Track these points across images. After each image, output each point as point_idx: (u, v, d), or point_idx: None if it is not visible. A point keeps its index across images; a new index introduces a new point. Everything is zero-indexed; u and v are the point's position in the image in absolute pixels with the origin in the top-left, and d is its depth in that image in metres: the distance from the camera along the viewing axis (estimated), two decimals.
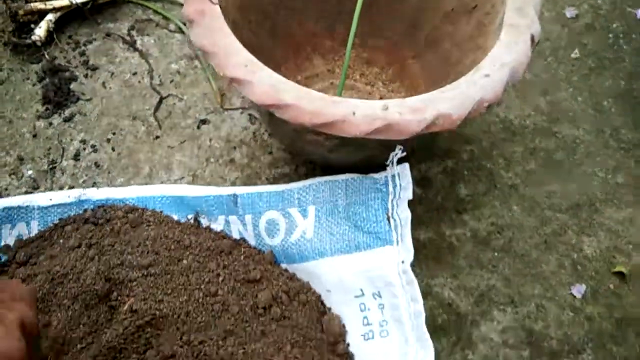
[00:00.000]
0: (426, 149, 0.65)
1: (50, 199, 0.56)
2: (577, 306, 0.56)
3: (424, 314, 0.48)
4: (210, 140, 0.67)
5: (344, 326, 0.52)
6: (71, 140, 0.66)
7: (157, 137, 0.67)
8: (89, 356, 0.44)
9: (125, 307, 0.48)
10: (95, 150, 0.66)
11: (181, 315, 0.48)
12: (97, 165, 0.64)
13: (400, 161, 0.50)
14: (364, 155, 0.53)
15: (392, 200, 0.52)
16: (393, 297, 0.50)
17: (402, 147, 0.48)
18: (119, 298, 0.49)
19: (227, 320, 0.49)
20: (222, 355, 0.45)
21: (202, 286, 0.51)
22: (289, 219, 0.56)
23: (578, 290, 0.56)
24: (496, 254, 0.59)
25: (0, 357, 0.33)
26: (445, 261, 0.58)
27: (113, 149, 0.66)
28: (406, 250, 0.50)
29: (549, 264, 0.58)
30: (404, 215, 0.51)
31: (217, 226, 0.58)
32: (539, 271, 0.57)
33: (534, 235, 0.60)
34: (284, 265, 0.56)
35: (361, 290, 0.52)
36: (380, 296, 0.52)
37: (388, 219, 0.52)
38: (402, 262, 0.50)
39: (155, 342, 0.45)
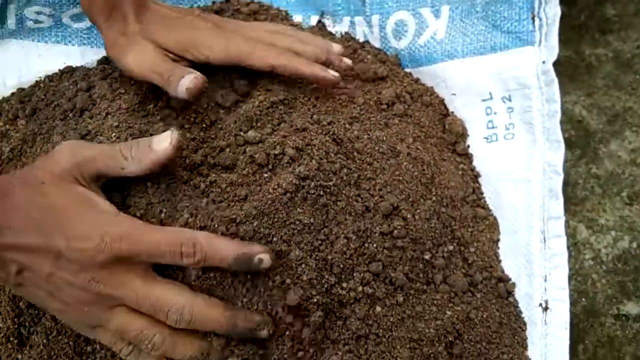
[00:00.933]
0: None
1: None
2: None
3: (559, 114, 0.46)
4: None
5: (465, 128, 0.52)
6: None
7: None
8: (231, 123, 0.46)
9: (260, 85, 0.49)
10: None
11: (311, 99, 0.49)
12: None
13: None
14: None
15: None
16: (526, 100, 0.49)
17: None
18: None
19: (352, 109, 0.50)
20: (348, 136, 0.46)
21: None
22: (419, 19, 0.54)
23: None
24: (638, 76, 0.55)
25: None
26: (581, 80, 0.55)
27: None
28: (549, 49, 0.48)
29: None
30: (552, 12, 0.48)
31: (342, 28, 0.57)
32: None
33: None
34: (408, 70, 0.55)
35: (490, 93, 0.51)
36: (510, 100, 0.50)
37: (533, 18, 0.49)
38: (544, 62, 0.47)
39: (288, 118, 0.47)
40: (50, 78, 0.52)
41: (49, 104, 0.48)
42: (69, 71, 0.52)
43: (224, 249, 0.38)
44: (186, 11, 0.49)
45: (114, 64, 0.47)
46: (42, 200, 0.37)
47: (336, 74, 0.46)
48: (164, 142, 0.39)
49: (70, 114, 0.46)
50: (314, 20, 0.57)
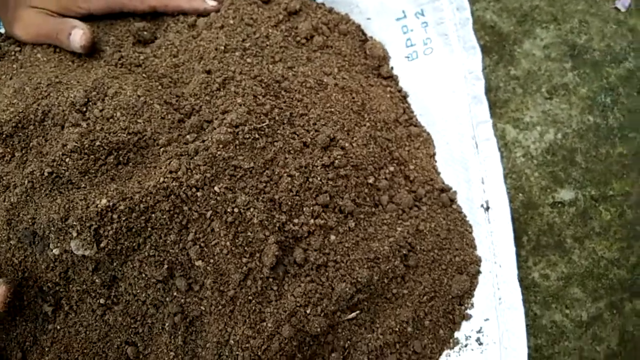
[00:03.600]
0: None
1: None
2: (621, 19, 0.55)
3: (470, 20, 0.47)
4: None
5: (386, 50, 0.52)
6: None
7: None
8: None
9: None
10: None
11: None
12: None
13: None
14: None
15: None
16: (437, 12, 0.50)
17: None
18: None
19: (271, 48, 0.49)
20: (274, 77, 0.46)
21: (245, 18, 0.50)
22: None
23: (622, 3, 0.55)
24: None
25: None
26: None
27: None
28: None
29: None
30: None
31: None
32: None
33: None
34: (320, 0, 0.55)
35: (403, 11, 0.51)
36: (422, 14, 0.51)
37: None
38: None
39: None
40: None
41: None
42: None
43: None
44: None
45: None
46: None
47: (214, 3, 0.48)
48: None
49: None
50: None
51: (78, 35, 0.43)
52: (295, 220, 0.42)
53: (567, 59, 0.54)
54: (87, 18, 0.46)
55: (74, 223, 0.38)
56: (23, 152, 0.42)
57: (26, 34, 0.45)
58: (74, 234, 0.38)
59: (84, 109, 0.41)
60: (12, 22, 0.45)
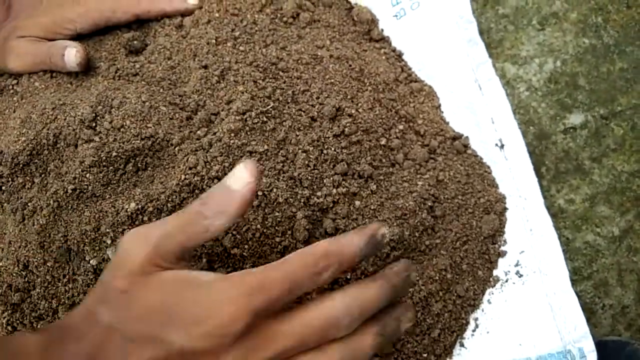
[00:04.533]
0: None
1: None
2: None
3: None
4: None
5: (373, 14, 0.53)
6: None
7: None
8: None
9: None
10: None
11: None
12: None
13: None
14: None
15: None
16: None
17: None
18: None
19: (261, 32, 0.49)
20: (269, 60, 0.46)
21: (229, 9, 0.50)
22: None
23: None
24: None
25: None
26: None
27: None
28: None
29: None
30: None
31: None
32: None
33: None
34: None
35: None
36: None
37: None
38: None
39: None
40: None
41: None
42: None
43: (350, 243, 0.32)
44: None
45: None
46: (135, 310, 0.29)
47: (196, 2, 0.49)
48: (241, 176, 0.31)
49: None
50: None
51: (72, 54, 0.44)
52: (319, 193, 0.43)
53: None
54: (75, 38, 0.47)
55: (107, 230, 0.39)
56: (42, 176, 0.43)
57: (21, 64, 0.46)
58: (109, 242, 0.39)
59: (94, 124, 0.42)
60: (4, 57, 0.46)
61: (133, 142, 0.41)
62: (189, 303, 0.29)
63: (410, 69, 0.53)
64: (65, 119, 0.42)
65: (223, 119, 0.43)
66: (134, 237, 0.31)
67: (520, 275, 0.45)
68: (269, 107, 0.43)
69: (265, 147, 0.42)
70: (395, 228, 0.43)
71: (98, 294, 0.31)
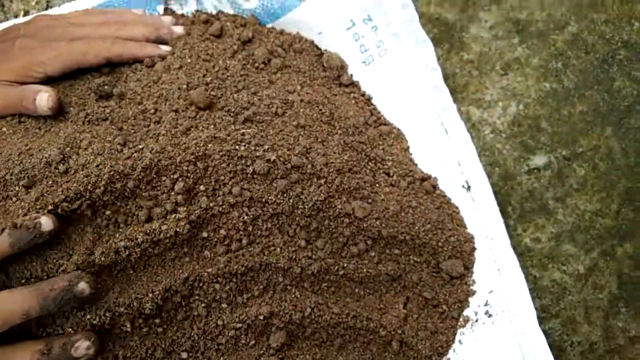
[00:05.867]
0: None
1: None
2: None
3: (416, 16, 0.50)
4: None
5: (343, 60, 0.55)
6: None
7: None
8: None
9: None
10: None
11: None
12: None
13: None
14: None
15: None
16: (384, 14, 0.52)
17: None
18: None
19: (232, 78, 0.50)
20: (240, 104, 0.47)
21: (201, 55, 0.51)
22: None
23: None
24: None
25: None
26: None
27: None
28: None
29: None
30: None
31: (190, 8, 0.57)
32: None
33: None
34: (269, 25, 0.57)
35: (351, 20, 0.54)
36: (370, 19, 0.53)
37: None
38: None
39: None
40: None
41: None
42: None
43: None
44: (10, 34, 0.48)
45: None
46: None
47: (168, 48, 0.50)
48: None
49: None
50: (161, 10, 0.56)
51: (44, 98, 0.44)
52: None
53: (514, 34, 0.56)
54: (45, 82, 0.47)
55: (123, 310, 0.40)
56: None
57: None
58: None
59: (61, 166, 0.42)
60: None
61: (105, 175, 0.41)
62: None
63: (379, 112, 0.54)
64: (30, 162, 0.42)
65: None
66: None
67: (490, 315, 0.46)
68: (242, 153, 0.44)
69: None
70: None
71: None
